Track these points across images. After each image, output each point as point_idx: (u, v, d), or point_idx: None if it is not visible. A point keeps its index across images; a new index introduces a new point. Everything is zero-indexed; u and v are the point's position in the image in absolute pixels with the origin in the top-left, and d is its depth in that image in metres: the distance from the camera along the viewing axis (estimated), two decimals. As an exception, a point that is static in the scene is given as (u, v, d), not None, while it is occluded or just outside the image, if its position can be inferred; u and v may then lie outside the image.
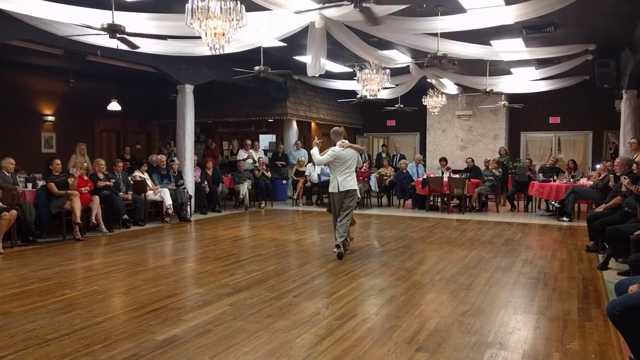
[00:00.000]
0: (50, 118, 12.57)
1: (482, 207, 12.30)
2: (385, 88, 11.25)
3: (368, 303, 4.92)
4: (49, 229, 8.21)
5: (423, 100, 12.35)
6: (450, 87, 13.50)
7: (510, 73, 12.34)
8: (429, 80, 12.24)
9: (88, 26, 6.02)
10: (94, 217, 8.52)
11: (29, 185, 8.40)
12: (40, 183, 8.44)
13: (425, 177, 12.56)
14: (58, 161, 8.44)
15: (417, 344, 3.77)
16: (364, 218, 11.15)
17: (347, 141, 7.09)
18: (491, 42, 9.25)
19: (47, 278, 5.72)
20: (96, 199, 8.59)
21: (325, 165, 8.13)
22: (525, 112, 14.35)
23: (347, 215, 6.89)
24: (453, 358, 3.53)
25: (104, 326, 4.17)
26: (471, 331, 4.06)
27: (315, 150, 7.07)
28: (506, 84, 12.68)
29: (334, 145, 7.13)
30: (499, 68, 11.65)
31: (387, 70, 9.06)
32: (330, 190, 7.03)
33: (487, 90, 11.46)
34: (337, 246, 6.78)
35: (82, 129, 13.05)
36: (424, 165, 14.36)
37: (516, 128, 16.09)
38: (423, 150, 16.76)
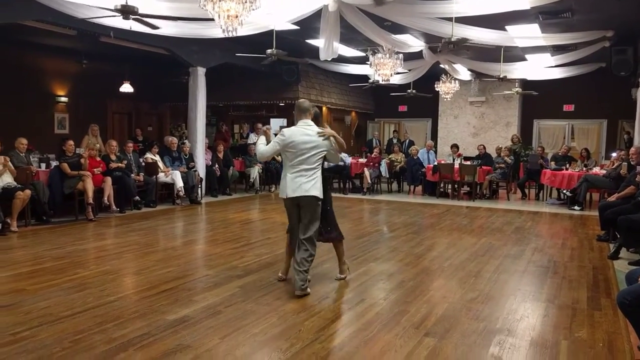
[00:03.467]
0: (63, 99, 12.64)
1: (492, 194, 12.24)
2: (398, 73, 11.16)
3: (376, 288, 4.94)
4: (62, 208, 8.31)
5: (435, 86, 12.25)
6: (463, 72, 13.37)
7: (524, 59, 12.18)
8: (442, 65, 12.12)
9: (102, 7, 6.02)
10: (106, 198, 8.60)
11: (43, 165, 8.49)
12: (54, 163, 8.52)
13: (436, 163, 12.50)
14: (71, 142, 8.52)
15: (425, 329, 3.79)
16: (374, 204, 11.15)
17: (329, 128, 4.73)
18: (506, 27, 9.12)
19: (61, 257, 5.81)
20: (108, 180, 8.67)
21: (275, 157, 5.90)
22: (539, 99, 14.19)
23: (308, 238, 4.57)
24: (461, 343, 3.55)
25: (116, 305, 4.24)
26: (479, 317, 4.07)
27: (260, 140, 4.85)
28: (520, 71, 12.52)
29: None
30: (514, 54, 11.50)
31: (400, 55, 9.00)
32: (280, 194, 4.75)
33: (501, 76, 11.33)
34: (302, 288, 4.47)
35: (95, 110, 13.11)
36: (435, 152, 14.30)
37: (529, 115, 15.92)
38: (434, 136, 16.67)
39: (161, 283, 4.85)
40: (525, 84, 14.28)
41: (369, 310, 4.19)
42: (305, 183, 4.51)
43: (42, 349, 3.32)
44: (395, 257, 6.12)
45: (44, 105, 12.28)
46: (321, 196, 4.57)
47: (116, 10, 6.05)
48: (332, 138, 4.61)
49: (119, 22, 6.88)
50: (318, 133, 4.54)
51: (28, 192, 7.30)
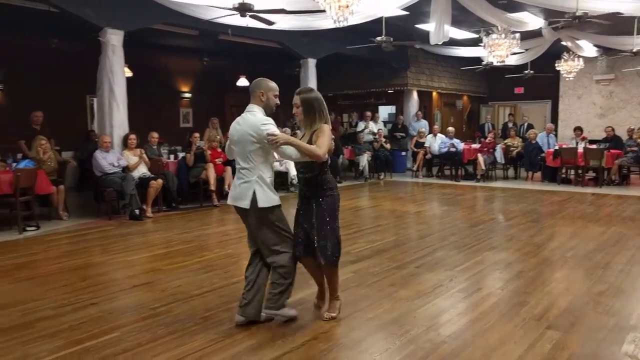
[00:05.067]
0: (187, 95, 13.65)
1: (622, 180, 11.20)
2: (514, 53, 10.57)
3: (493, 277, 4.79)
4: (189, 196, 9.01)
5: (556, 65, 11.46)
6: (588, 49, 12.31)
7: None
8: (563, 43, 11.28)
9: (221, 7, 6.41)
10: (227, 186, 9.17)
11: (171, 156, 9.27)
12: (181, 155, 9.27)
13: (557, 147, 11.70)
14: (197, 134, 9.20)
15: (547, 321, 3.62)
16: (488, 191, 10.74)
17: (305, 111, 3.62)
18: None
19: (189, 240, 6.33)
20: (228, 169, 9.22)
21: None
22: (680, 73, 12.68)
23: (270, 263, 3.60)
24: (589, 339, 3.34)
25: (239, 287, 4.50)
26: (609, 312, 3.80)
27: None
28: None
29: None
30: (649, 25, 10.36)
31: (517, 34, 8.55)
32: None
33: (634, 50, 10.27)
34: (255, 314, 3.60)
35: (215, 104, 13.99)
36: (556, 135, 13.37)
37: (668, 92, 14.29)
38: (554, 119, 15.58)
39: (279, 267, 5.09)
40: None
41: (486, 300, 4.08)
42: (243, 187, 3.48)
43: (177, 323, 3.66)
44: (512, 247, 5.87)
45: (171, 101, 13.36)
46: (258, 205, 3.43)
47: (234, 8, 6.41)
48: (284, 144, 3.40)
49: (236, 20, 7.27)
50: (268, 134, 3.39)
51: (160, 181, 8.02)
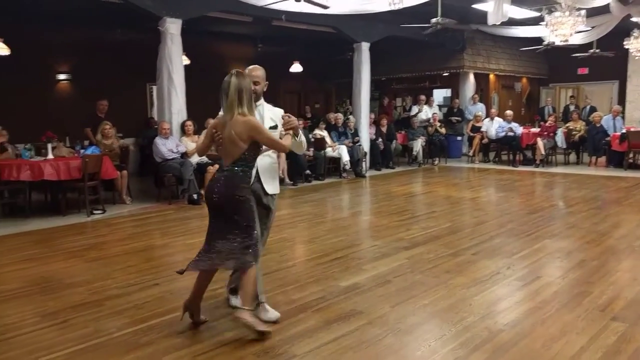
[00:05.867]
0: (242, 82, 13.83)
1: (698, 166, 10.52)
2: (579, 32, 10.04)
3: (553, 266, 4.64)
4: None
5: (625, 43, 10.80)
6: (661, 25, 11.53)
7: None
8: (633, 19, 10.59)
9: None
10: (281, 172, 9.31)
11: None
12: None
13: (624, 131, 11.09)
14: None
15: (612, 312, 3.48)
16: (548, 177, 10.36)
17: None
18: None
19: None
20: (282, 155, 9.32)
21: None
22: None
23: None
24: (657, 332, 3.19)
25: (294, 270, 4.63)
26: (680, 305, 3.61)
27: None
28: None
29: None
30: None
31: (582, 12, 8.10)
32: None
33: None
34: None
35: (269, 90, 13.94)
36: (623, 118, 12.67)
37: None
38: (622, 100, 14.72)
39: (333, 251, 5.14)
40: None
41: (545, 289, 3.96)
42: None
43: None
44: (574, 234, 5.66)
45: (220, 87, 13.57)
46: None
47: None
48: None
49: (290, 6, 7.29)
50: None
51: (217, 166, 8.21)
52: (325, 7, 7.11)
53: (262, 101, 3.63)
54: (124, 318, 3.54)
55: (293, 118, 3.50)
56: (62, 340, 3.21)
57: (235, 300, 3.53)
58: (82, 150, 7.68)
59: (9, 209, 7.31)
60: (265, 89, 3.65)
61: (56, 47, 10.36)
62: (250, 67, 3.61)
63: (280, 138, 3.44)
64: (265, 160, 3.55)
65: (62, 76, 10.74)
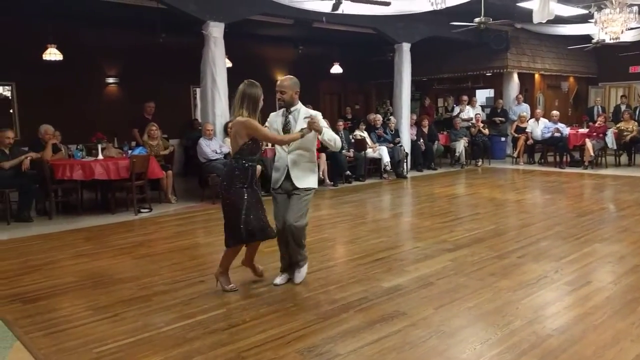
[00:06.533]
0: (283, 83, 13.97)
1: None
2: (631, 29, 9.67)
3: (604, 271, 4.48)
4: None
5: (680, 39, 10.32)
6: None
7: None
8: (690, 14, 10.12)
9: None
10: (321, 173, 9.34)
11: (269, 144, 9.56)
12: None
13: (679, 131, 10.61)
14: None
15: (668, 320, 3.34)
16: (597, 179, 10.01)
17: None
18: None
19: (287, 225, 6.52)
20: (323, 156, 9.37)
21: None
22: None
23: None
24: None
25: (335, 270, 4.64)
26: None
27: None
28: None
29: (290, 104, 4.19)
30: None
31: (635, 8, 7.82)
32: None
33: None
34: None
35: (309, 92, 14.17)
36: (679, 118, 12.11)
37: None
38: (677, 100, 14.09)
39: (374, 252, 5.12)
40: None
41: (597, 294, 3.83)
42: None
43: (278, 303, 3.81)
44: (626, 239, 5.44)
45: (268, 90, 13.66)
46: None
47: (329, -3, 6.46)
48: None
49: (331, 7, 7.32)
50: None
51: (259, 167, 8.31)
52: (387, 3, 7.07)
53: (298, 106, 4.14)
54: (171, 313, 3.64)
55: (315, 119, 3.95)
56: (113, 333, 3.33)
57: (279, 279, 4.23)
58: (129, 151, 7.93)
59: (62, 206, 7.64)
60: (296, 96, 4.13)
61: (105, 51, 10.74)
62: (281, 77, 4.21)
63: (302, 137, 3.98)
64: (294, 157, 4.07)
65: (110, 80, 11.13)
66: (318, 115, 4.10)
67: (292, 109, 4.10)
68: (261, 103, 4.00)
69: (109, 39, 10.59)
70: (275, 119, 4.19)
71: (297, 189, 4.05)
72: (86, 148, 7.86)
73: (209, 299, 3.91)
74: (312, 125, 3.92)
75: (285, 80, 4.15)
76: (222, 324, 3.44)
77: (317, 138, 4.11)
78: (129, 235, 6.14)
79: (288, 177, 4.06)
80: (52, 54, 9.60)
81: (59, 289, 4.23)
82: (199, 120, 10.68)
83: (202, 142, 8.23)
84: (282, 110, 4.16)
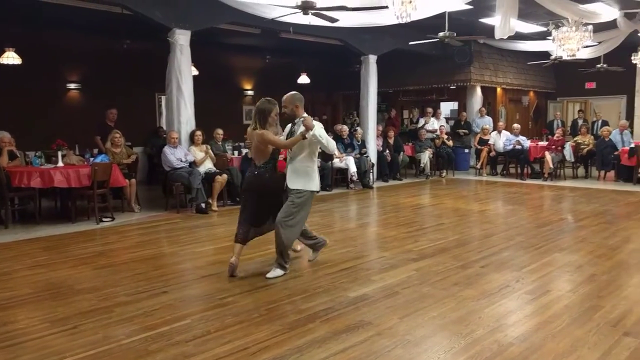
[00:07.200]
0: (250, 92, 13.95)
1: None
2: (586, 46, 10.09)
3: (563, 280, 4.61)
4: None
5: (632, 58, 10.83)
6: (669, 40, 11.54)
7: None
8: (641, 34, 10.63)
9: (284, 6, 6.51)
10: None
11: (235, 152, 9.51)
12: (244, 151, 9.48)
13: (632, 145, 11.07)
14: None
15: (624, 328, 3.45)
16: (556, 190, 10.33)
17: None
18: None
19: (253, 234, 6.47)
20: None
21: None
22: None
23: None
24: (669, 347, 3.16)
25: (302, 280, 4.62)
26: (693, 320, 3.57)
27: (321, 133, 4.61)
28: None
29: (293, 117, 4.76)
30: None
31: (589, 27, 8.15)
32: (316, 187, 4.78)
33: None
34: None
35: (277, 101, 14.22)
36: (631, 133, 12.65)
37: None
38: (630, 115, 14.69)
39: (341, 262, 5.14)
40: None
41: (556, 303, 3.94)
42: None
43: (244, 313, 3.77)
44: (583, 248, 5.63)
45: (234, 99, 13.69)
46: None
47: (298, 7, 6.50)
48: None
49: (299, 18, 7.36)
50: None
51: (225, 176, 8.25)
52: (334, 20, 7.18)
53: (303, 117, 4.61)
54: (133, 325, 3.55)
55: (308, 118, 4.48)
56: (72, 346, 3.22)
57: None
58: (91, 159, 7.74)
59: (19, 215, 7.37)
60: (297, 109, 4.67)
61: (66, 56, 10.49)
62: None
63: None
64: (294, 163, 4.62)
65: (72, 85, 10.86)
66: (309, 118, 4.56)
67: (296, 120, 4.67)
68: (273, 116, 4.63)
69: (71, 44, 10.36)
70: (286, 129, 4.84)
71: (290, 189, 4.56)
72: (45, 155, 7.62)
73: (172, 310, 3.83)
74: (304, 123, 4.42)
75: (286, 96, 4.73)
76: (186, 335, 3.37)
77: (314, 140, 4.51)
78: (90, 245, 5.97)
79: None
80: (10, 57, 9.32)
81: (15, 301, 4.07)
82: (164, 128, 10.52)
83: (167, 150, 8.11)
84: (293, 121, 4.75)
